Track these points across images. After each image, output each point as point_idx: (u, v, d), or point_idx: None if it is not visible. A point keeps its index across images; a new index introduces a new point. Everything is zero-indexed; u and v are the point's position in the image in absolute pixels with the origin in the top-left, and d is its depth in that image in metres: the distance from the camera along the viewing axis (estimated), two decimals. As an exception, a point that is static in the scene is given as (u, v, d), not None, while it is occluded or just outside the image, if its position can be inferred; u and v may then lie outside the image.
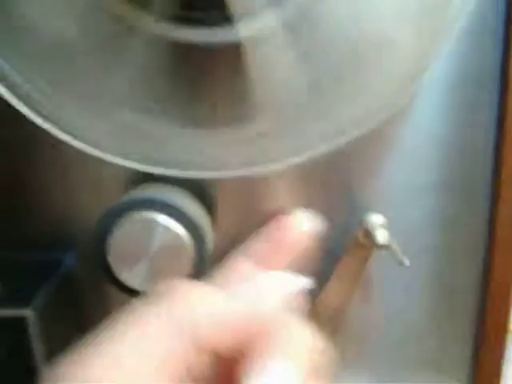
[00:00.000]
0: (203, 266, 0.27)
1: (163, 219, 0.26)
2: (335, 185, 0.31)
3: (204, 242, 0.27)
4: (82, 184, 0.31)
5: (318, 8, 0.25)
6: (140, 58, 0.25)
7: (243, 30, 0.25)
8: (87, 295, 0.32)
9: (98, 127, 0.26)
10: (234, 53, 0.25)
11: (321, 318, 0.32)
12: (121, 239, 0.26)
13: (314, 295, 0.31)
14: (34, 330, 0.27)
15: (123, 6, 0.24)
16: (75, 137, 0.26)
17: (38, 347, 0.27)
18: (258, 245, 0.28)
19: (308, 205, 0.31)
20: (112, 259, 0.26)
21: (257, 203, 0.31)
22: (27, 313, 0.27)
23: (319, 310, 0.32)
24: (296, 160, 0.28)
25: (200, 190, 0.29)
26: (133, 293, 0.27)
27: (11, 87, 0.25)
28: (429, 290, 0.34)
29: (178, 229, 0.26)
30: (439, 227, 0.33)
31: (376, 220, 0.30)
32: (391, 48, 0.26)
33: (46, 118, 0.26)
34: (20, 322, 0.27)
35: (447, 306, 0.34)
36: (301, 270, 0.27)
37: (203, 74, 0.27)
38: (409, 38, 0.26)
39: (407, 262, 0.29)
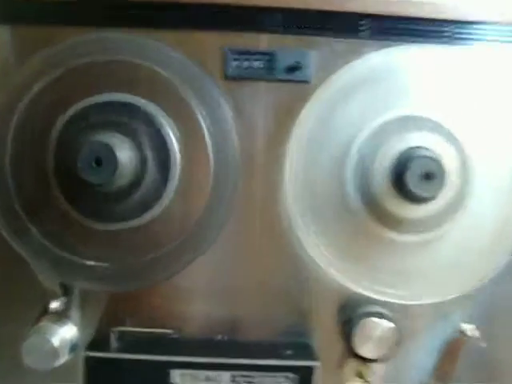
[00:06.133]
0: (399, 343, 0.53)
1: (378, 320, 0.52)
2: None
3: (398, 329, 0.53)
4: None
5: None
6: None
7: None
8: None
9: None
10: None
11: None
12: (360, 331, 0.52)
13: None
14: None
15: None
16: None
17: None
18: None
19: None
20: (355, 343, 0.53)
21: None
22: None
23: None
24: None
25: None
26: (365, 360, 0.53)
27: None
28: None
29: (386, 323, 0.52)
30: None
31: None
32: None
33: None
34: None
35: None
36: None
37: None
38: None
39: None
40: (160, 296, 0.55)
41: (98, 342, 0.54)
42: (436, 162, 0.49)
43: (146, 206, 0.53)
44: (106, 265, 0.54)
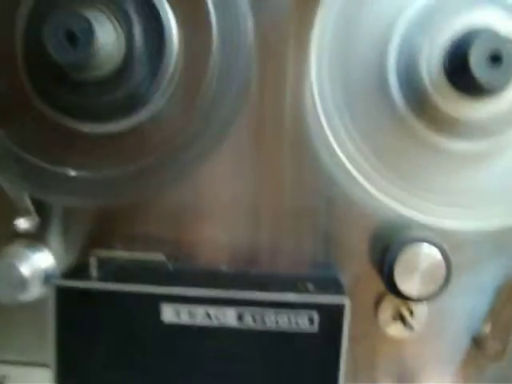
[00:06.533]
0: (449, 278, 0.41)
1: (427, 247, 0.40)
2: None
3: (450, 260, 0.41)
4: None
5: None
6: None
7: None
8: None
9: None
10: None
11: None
12: (403, 262, 0.40)
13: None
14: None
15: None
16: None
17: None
18: None
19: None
20: (396, 276, 0.40)
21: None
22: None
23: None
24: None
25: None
26: (406, 298, 0.41)
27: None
28: None
29: (437, 252, 0.40)
30: None
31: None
32: None
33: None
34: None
35: None
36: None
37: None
38: None
39: None
40: (154, 215, 0.45)
41: (75, 270, 0.44)
42: (506, 40, 0.37)
43: (136, 101, 0.42)
44: (89, 174, 0.43)
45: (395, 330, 0.45)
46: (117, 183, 0.43)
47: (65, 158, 0.43)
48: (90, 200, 0.44)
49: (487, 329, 0.45)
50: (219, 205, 0.45)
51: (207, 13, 0.41)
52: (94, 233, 0.46)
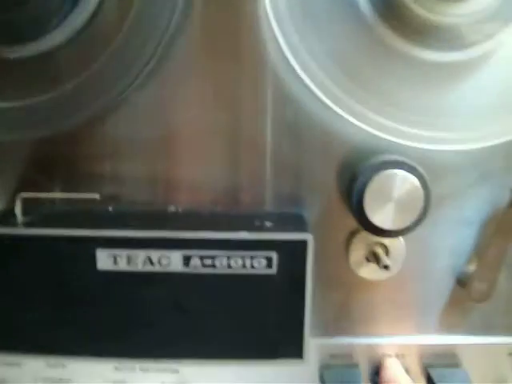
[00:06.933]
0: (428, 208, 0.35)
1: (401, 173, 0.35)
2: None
3: (428, 187, 0.35)
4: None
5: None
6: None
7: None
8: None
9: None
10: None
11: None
12: (374, 190, 0.35)
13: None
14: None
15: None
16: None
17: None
18: None
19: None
20: (367, 206, 0.35)
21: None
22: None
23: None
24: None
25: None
26: (380, 232, 0.36)
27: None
28: None
29: (413, 178, 0.35)
30: None
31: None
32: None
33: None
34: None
35: None
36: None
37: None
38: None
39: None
40: (88, 147, 0.39)
41: (3, 215, 0.38)
42: None
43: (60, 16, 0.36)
44: (20, 104, 0.37)
45: (369, 271, 0.39)
46: (51, 109, 0.37)
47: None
48: (25, 133, 0.38)
49: (472, 268, 0.40)
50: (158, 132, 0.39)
51: None
52: (29, 175, 0.40)
